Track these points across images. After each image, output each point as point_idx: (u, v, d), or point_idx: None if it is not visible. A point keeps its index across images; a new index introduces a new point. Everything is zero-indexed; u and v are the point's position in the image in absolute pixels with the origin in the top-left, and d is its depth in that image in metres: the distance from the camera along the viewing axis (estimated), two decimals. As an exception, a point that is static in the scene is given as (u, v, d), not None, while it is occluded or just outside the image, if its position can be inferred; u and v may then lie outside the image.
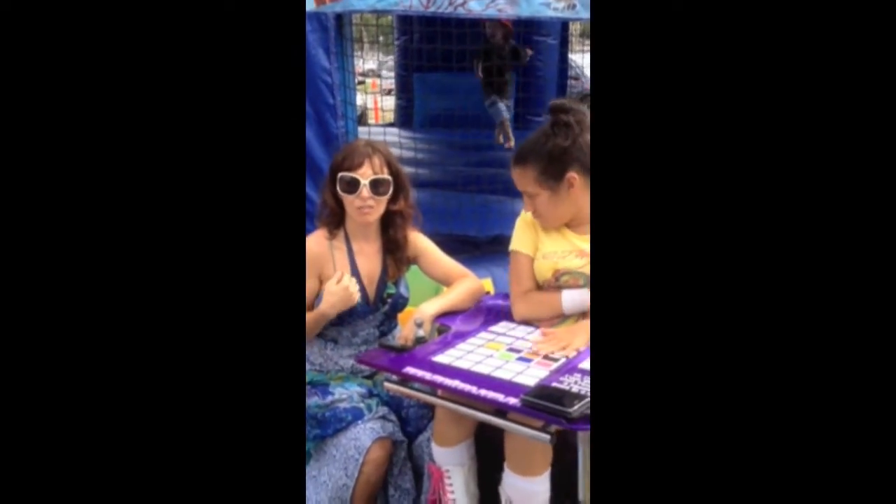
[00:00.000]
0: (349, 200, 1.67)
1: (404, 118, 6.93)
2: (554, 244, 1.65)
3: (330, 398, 1.64)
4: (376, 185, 1.66)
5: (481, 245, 2.80)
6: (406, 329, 1.65)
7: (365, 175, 1.65)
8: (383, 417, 1.64)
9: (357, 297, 1.65)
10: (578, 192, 1.56)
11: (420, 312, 1.66)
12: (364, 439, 1.56)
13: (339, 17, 2.44)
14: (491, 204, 3.11)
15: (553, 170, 1.55)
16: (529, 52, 5.08)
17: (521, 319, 1.68)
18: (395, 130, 5.95)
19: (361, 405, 1.63)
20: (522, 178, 1.60)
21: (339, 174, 1.66)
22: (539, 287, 1.68)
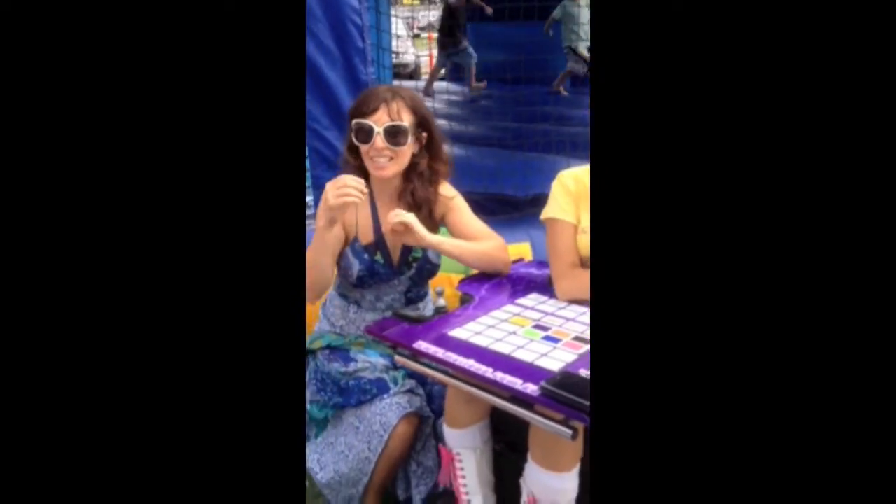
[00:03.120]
0: (364, 150, 1.49)
1: (455, 72, 6.73)
2: None
3: (353, 366, 1.53)
4: (393, 133, 1.45)
5: (520, 205, 2.54)
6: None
7: (380, 121, 1.45)
8: (410, 391, 1.51)
9: (352, 198, 1.34)
10: None
11: (402, 216, 1.42)
12: (391, 416, 1.44)
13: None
14: (531, 161, 2.82)
15: None
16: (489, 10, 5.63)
17: (566, 299, 1.48)
18: (443, 85, 5.77)
19: (386, 377, 1.51)
20: None
21: (353, 121, 1.48)
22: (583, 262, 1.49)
